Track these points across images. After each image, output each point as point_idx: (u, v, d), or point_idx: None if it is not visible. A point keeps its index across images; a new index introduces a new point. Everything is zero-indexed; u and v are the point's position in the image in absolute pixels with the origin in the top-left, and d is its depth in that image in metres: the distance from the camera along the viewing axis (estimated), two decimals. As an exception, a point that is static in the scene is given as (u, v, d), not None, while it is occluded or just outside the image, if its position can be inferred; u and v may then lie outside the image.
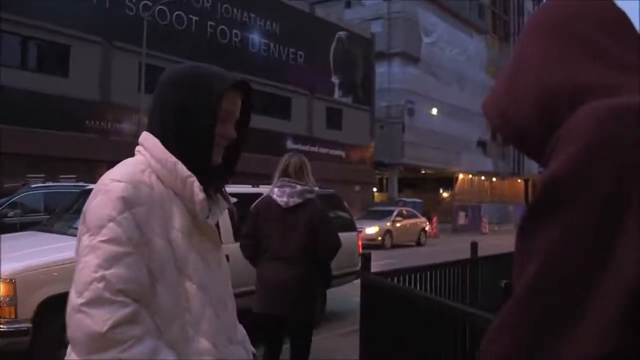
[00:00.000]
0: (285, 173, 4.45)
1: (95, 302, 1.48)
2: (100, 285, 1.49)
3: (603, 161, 0.78)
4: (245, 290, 4.86)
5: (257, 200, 4.60)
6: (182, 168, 1.68)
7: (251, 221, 4.51)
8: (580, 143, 0.80)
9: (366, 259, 5.34)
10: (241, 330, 1.96)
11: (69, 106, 21.83)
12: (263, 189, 8.69)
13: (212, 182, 1.77)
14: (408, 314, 4.50)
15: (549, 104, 0.91)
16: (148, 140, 1.72)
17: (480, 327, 3.47)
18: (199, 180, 1.69)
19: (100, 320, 1.47)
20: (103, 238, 1.53)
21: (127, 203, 1.57)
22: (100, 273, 1.50)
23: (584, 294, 0.77)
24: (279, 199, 4.39)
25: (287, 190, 4.39)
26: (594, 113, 0.82)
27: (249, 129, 1.88)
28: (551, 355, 0.78)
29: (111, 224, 1.54)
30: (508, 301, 0.85)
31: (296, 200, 4.37)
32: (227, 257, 2.09)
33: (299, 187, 4.40)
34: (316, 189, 4.59)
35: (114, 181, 1.61)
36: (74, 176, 16.56)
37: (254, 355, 1.96)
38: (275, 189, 4.44)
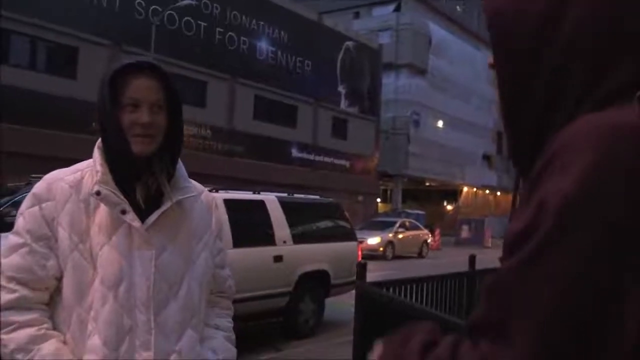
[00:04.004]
0: None
1: None
2: None
3: (616, 183, 0.73)
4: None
5: None
6: (97, 164, 1.72)
7: None
8: (589, 162, 0.75)
9: (362, 268, 5.31)
10: (212, 343, 1.86)
11: (76, 108, 21.85)
12: (264, 196, 8.74)
13: (138, 173, 1.73)
14: (402, 324, 4.49)
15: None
16: (99, 142, 1.78)
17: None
18: (125, 174, 1.71)
19: None
20: (13, 230, 1.71)
21: (37, 198, 1.70)
22: (1, 261, 1.66)
23: (601, 327, 0.73)
24: None
25: None
26: (597, 131, 0.77)
27: (182, 118, 1.80)
28: None
29: (20, 218, 1.71)
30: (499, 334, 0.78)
31: None
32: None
33: None
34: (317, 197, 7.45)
35: (41, 180, 1.76)
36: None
37: None
38: None
